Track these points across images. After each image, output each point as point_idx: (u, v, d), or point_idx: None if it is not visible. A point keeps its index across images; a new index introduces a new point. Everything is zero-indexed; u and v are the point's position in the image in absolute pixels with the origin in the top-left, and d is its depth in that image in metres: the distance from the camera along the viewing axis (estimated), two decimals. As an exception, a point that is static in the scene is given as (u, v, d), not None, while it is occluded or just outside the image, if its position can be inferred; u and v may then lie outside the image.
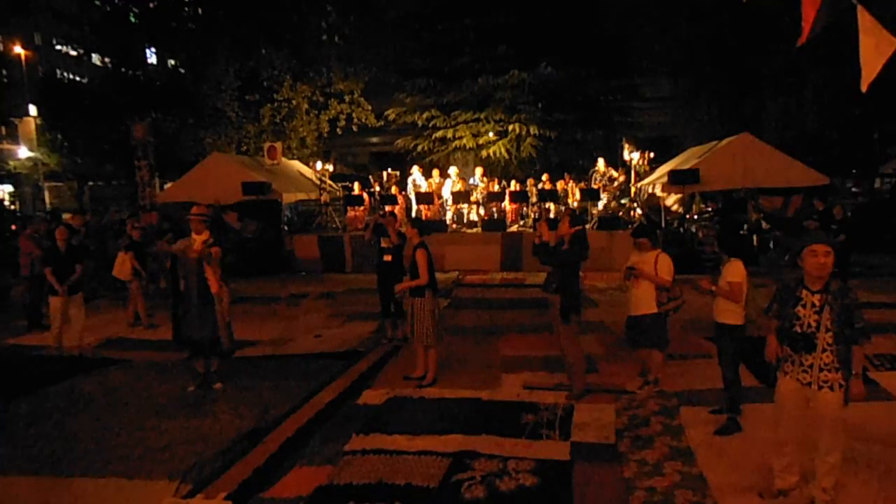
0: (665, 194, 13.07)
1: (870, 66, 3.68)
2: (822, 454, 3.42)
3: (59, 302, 6.89)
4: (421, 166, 16.27)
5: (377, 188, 15.42)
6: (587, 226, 12.55)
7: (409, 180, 15.27)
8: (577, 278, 5.34)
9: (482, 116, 19.85)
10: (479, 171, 15.56)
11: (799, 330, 3.39)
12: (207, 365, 5.85)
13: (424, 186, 14.88)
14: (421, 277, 5.62)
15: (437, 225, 13.39)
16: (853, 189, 20.92)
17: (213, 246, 5.63)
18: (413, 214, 14.37)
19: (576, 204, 14.24)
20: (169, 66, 21.75)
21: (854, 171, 21.18)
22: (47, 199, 26.33)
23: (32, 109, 24.53)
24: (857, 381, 3.29)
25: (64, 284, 6.82)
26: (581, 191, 14.29)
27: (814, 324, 3.34)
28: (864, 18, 3.69)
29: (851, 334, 3.28)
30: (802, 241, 3.45)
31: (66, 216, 11.07)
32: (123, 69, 20.04)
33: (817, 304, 3.34)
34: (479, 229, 13.62)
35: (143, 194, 14.94)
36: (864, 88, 3.73)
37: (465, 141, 20.02)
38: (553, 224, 5.71)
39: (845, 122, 16.84)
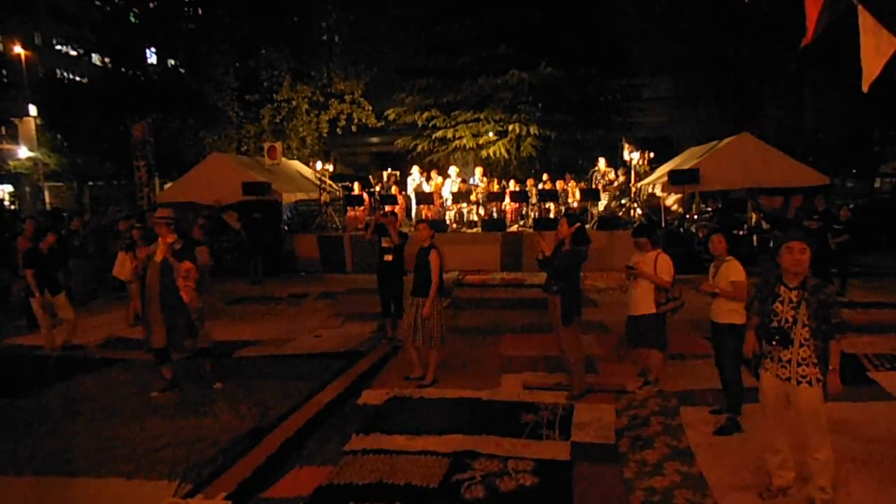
0: (665, 194, 13.08)
1: (871, 66, 3.69)
2: (812, 452, 3.44)
3: (38, 303, 6.95)
4: (421, 166, 16.27)
5: (377, 188, 15.43)
6: (587, 225, 12.58)
7: (410, 180, 15.27)
8: (578, 279, 5.35)
9: (482, 116, 19.85)
10: (478, 170, 15.56)
11: (776, 325, 3.43)
12: (174, 368, 5.74)
13: (424, 186, 14.88)
14: (434, 281, 5.58)
15: (438, 225, 13.39)
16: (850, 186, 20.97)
17: (181, 250, 5.47)
18: (413, 214, 14.39)
19: (576, 204, 14.24)
20: (169, 66, 21.74)
21: (854, 171, 21.20)
22: (47, 199, 26.31)
23: (32, 109, 24.49)
24: (834, 376, 3.30)
25: (45, 286, 6.90)
26: (581, 191, 14.29)
27: (791, 319, 3.38)
28: (864, 18, 3.69)
29: (827, 329, 3.31)
30: (780, 238, 3.50)
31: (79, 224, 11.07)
32: (123, 69, 20.04)
33: (794, 299, 3.39)
34: (479, 229, 13.62)
35: (141, 194, 14.94)
36: (865, 88, 3.73)
37: (465, 141, 20.02)
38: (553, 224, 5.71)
39: (845, 122, 16.84)
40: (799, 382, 3.37)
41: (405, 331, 5.78)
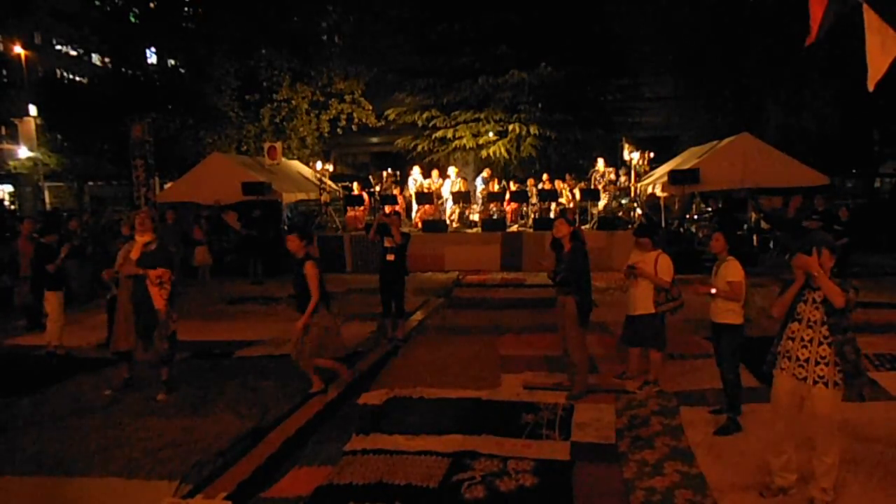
0: (665, 193, 13.07)
1: (876, 65, 3.68)
2: (819, 454, 3.44)
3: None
4: (421, 166, 16.26)
5: (377, 188, 15.43)
6: (586, 226, 12.59)
7: (411, 180, 15.27)
8: (589, 275, 5.32)
9: (482, 116, 19.83)
10: (482, 175, 15.51)
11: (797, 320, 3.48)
12: (132, 370, 5.69)
13: (425, 186, 14.87)
14: (312, 294, 5.28)
15: (438, 225, 13.39)
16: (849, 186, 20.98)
17: (157, 251, 5.32)
18: (413, 214, 14.36)
19: (573, 204, 14.25)
20: (169, 66, 21.73)
21: (854, 171, 21.20)
22: (47, 199, 26.30)
23: (32, 109, 24.50)
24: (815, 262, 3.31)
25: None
26: (581, 191, 14.29)
27: (812, 319, 3.40)
28: (870, 17, 3.68)
29: (836, 323, 3.33)
30: (811, 240, 3.49)
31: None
32: (123, 69, 20.01)
33: (818, 299, 3.41)
34: (479, 229, 13.62)
35: (138, 194, 14.91)
36: (871, 87, 3.72)
37: (465, 141, 20.00)
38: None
39: (845, 122, 16.83)
40: (815, 383, 3.38)
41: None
